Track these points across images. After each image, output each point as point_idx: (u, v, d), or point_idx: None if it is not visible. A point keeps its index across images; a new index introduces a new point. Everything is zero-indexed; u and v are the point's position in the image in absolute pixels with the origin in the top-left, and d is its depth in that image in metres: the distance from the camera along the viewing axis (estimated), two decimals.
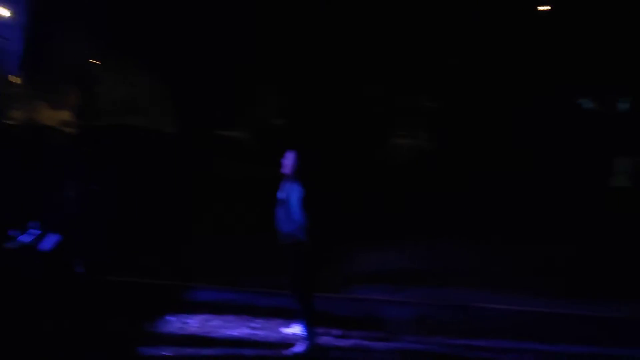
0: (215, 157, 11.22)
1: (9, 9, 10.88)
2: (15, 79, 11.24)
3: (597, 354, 4.45)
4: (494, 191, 11.14)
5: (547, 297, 5.87)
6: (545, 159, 12.11)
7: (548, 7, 12.82)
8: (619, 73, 14.53)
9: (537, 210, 10.39)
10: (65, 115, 11.79)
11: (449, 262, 7.44)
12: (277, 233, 4.42)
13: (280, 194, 4.42)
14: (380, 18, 11.63)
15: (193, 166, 10.35)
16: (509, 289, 6.17)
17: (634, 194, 11.34)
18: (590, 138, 12.65)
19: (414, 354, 4.34)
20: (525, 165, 11.96)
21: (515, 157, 12.09)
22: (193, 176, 9.98)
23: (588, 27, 12.55)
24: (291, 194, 4.30)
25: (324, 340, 4.48)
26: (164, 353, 4.21)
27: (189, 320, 4.91)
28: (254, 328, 4.79)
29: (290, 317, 4.63)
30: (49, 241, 5.73)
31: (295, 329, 4.56)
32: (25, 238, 5.74)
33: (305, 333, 4.32)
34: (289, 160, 4.39)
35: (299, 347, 4.28)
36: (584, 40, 13.07)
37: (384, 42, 11.50)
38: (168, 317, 4.94)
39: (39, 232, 5.78)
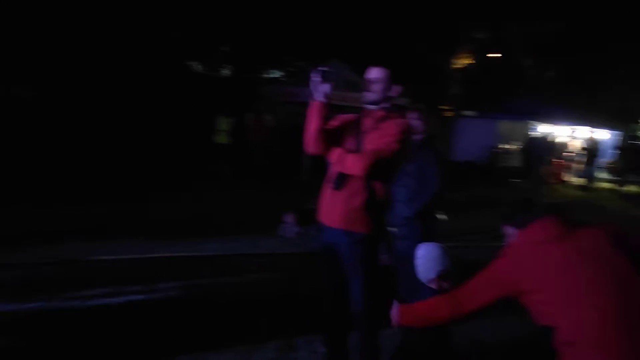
0: None
1: None
2: None
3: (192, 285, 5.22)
4: (105, 147, 11.16)
5: (154, 244, 6.40)
6: (157, 115, 12.74)
7: None
8: (223, 41, 16.48)
9: (149, 165, 11.01)
10: None
11: (59, 221, 7.16)
12: None
13: None
14: None
15: None
16: (121, 240, 6.41)
17: (231, 150, 13.30)
18: (197, 98, 13.99)
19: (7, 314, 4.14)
20: (138, 122, 12.32)
21: (128, 114, 12.29)
22: None
23: None
24: None
25: None
26: None
27: None
28: None
29: None
30: None
31: None
32: None
33: None
34: None
35: None
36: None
37: None
38: None
39: None
